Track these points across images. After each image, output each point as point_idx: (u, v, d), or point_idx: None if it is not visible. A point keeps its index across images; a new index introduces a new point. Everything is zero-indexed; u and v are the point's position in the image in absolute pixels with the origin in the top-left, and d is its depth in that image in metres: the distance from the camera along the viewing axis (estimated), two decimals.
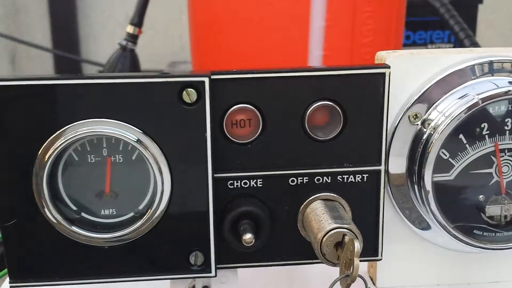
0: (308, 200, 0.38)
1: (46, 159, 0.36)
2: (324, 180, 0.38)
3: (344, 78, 0.37)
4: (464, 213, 0.40)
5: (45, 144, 0.36)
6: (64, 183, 0.38)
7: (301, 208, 0.38)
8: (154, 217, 0.37)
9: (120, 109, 0.36)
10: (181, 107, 0.36)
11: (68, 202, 0.38)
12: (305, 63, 0.63)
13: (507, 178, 0.40)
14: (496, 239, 0.40)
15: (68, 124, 0.36)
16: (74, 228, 0.37)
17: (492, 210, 0.40)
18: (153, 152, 0.36)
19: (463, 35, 0.75)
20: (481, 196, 0.40)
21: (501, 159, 0.39)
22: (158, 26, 1.39)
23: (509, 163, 0.40)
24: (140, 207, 0.38)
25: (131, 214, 0.38)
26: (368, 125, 0.38)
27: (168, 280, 0.40)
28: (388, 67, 0.37)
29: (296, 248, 0.39)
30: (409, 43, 1.05)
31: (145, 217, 0.37)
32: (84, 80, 0.36)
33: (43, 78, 0.36)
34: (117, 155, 0.37)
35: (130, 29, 0.83)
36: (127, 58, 0.79)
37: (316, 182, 0.38)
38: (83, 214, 0.38)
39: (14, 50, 1.54)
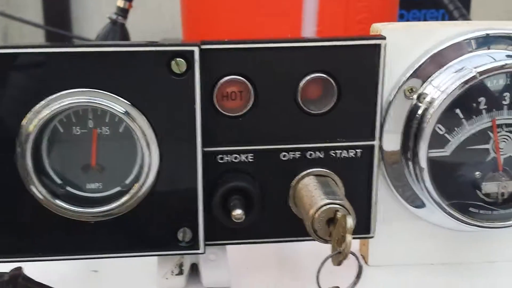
0: (300, 175, 0.37)
1: (30, 131, 0.35)
2: (317, 155, 0.37)
3: (338, 49, 0.36)
4: (460, 191, 0.39)
5: (29, 115, 0.35)
6: (49, 156, 0.37)
7: (293, 183, 0.37)
8: (141, 192, 0.36)
9: (106, 79, 0.35)
10: (169, 78, 0.35)
11: (52, 175, 0.37)
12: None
13: (505, 154, 0.39)
14: (492, 217, 0.39)
15: (53, 94, 0.34)
16: (59, 202, 0.36)
17: (489, 187, 0.39)
18: (140, 125, 0.35)
19: (457, 13, 0.73)
20: (477, 173, 0.39)
21: (498, 134, 0.38)
22: (150, 3, 1.37)
23: (506, 139, 0.39)
24: (127, 182, 0.37)
25: (118, 188, 0.37)
26: (363, 98, 0.37)
27: (156, 257, 0.39)
28: (384, 38, 0.36)
29: (287, 225, 0.38)
30: (403, 20, 1.04)
31: (131, 191, 0.36)
32: (69, 49, 0.34)
33: (26, 47, 0.34)
34: (103, 127, 0.36)
35: (120, 3, 0.81)
36: (117, 32, 0.78)
37: (309, 157, 0.37)
38: (68, 188, 0.37)
39: (6, 28, 1.53)
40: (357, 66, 0.36)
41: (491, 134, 0.38)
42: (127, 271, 0.42)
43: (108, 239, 0.37)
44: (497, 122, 0.38)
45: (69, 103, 0.35)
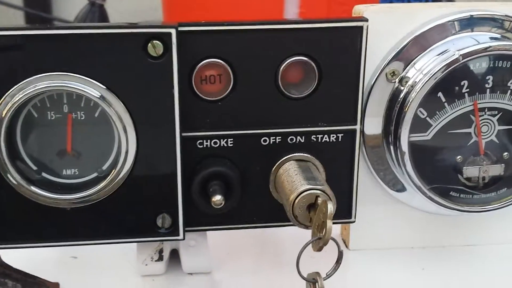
0: (280, 160, 0.37)
1: (3, 116, 0.34)
2: (298, 140, 0.37)
3: (319, 31, 0.35)
4: (441, 175, 0.39)
5: (1, 99, 0.34)
6: (23, 141, 0.36)
7: (274, 169, 0.37)
8: (118, 178, 0.35)
9: (81, 63, 0.34)
10: (146, 61, 0.34)
11: (28, 161, 0.36)
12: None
13: (486, 138, 0.39)
14: (473, 201, 0.40)
15: (26, 78, 0.33)
16: (34, 189, 0.35)
17: (470, 171, 0.39)
18: (117, 109, 0.34)
19: None
20: (458, 157, 0.39)
21: (481, 118, 0.38)
22: None
23: (488, 123, 0.39)
24: (104, 167, 0.36)
25: (95, 174, 0.36)
26: (344, 82, 0.36)
27: (135, 244, 0.39)
28: (366, 20, 0.35)
29: (267, 210, 0.38)
30: (387, 2, 1.03)
31: (109, 177, 0.35)
32: (43, 31, 0.33)
33: None
34: (78, 112, 0.35)
35: None
36: (95, 13, 0.76)
37: (289, 142, 0.37)
38: (43, 174, 0.36)
39: None
40: (339, 49, 0.35)
41: (473, 117, 0.38)
42: (107, 257, 0.41)
43: (86, 225, 0.37)
44: (479, 106, 0.38)
45: (43, 87, 0.34)
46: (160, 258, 0.39)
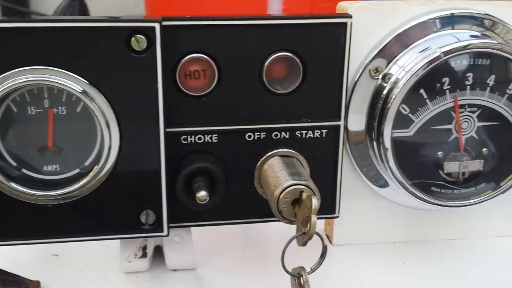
0: (265, 156, 0.37)
1: None
2: (282, 136, 0.37)
3: (304, 27, 0.35)
4: (422, 170, 0.40)
5: None
6: (2, 137, 0.35)
7: (258, 164, 0.37)
8: (101, 174, 0.35)
9: (63, 56, 0.33)
10: (130, 55, 0.33)
11: (7, 157, 0.35)
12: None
13: (466, 134, 0.40)
14: (453, 196, 0.40)
15: (5, 72, 0.33)
16: (14, 185, 0.35)
17: (451, 166, 0.40)
18: (99, 105, 0.34)
19: None
20: (439, 153, 0.40)
21: (461, 115, 0.39)
22: None
23: (469, 119, 0.39)
24: (86, 163, 0.36)
25: (77, 170, 0.36)
26: (328, 78, 0.36)
27: (119, 240, 0.38)
28: (350, 16, 0.35)
29: (252, 206, 0.38)
30: None
31: (91, 174, 0.35)
32: (22, 24, 0.33)
33: None
34: (59, 107, 0.35)
35: None
36: (76, 7, 0.75)
37: (274, 137, 0.37)
38: (24, 171, 0.35)
39: None
40: (323, 45, 0.35)
41: (453, 114, 0.39)
42: (89, 254, 0.41)
43: (68, 222, 0.36)
44: (460, 102, 0.39)
45: (22, 81, 0.33)
46: (144, 255, 0.39)
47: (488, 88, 0.39)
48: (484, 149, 0.40)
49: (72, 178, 0.36)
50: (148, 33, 0.33)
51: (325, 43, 0.35)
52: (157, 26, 0.33)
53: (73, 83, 0.33)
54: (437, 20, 0.38)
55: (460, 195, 0.40)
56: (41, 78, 0.33)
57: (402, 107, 0.38)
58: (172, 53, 0.34)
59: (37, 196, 0.35)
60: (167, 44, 0.34)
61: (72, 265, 0.40)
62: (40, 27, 0.33)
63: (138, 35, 0.33)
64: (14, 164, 0.35)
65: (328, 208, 0.39)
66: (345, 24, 0.35)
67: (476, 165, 0.40)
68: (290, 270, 0.33)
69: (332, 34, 0.35)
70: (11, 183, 0.34)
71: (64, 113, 0.35)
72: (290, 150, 0.37)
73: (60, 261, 0.41)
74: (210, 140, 0.37)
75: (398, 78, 0.37)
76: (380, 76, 0.39)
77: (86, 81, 0.33)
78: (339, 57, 0.36)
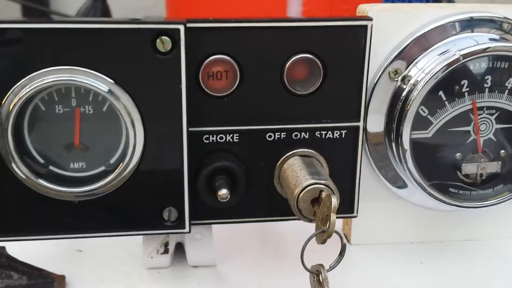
0: (285, 156, 0.38)
1: (10, 109, 0.34)
2: (302, 136, 0.38)
3: (324, 30, 0.36)
4: (441, 171, 0.40)
5: (9, 93, 0.34)
6: (31, 135, 0.36)
7: (278, 164, 0.38)
8: (125, 172, 0.36)
9: (90, 57, 0.34)
10: (154, 56, 0.34)
11: (35, 155, 0.36)
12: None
13: (484, 136, 0.40)
14: (471, 198, 0.41)
15: (34, 72, 0.34)
16: (42, 182, 0.36)
17: (468, 168, 0.40)
18: (125, 104, 0.35)
19: None
20: (458, 154, 0.40)
21: (479, 117, 0.39)
22: None
23: (487, 121, 0.40)
24: (112, 161, 0.37)
25: (102, 168, 0.37)
26: (348, 80, 0.37)
27: (141, 236, 0.39)
28: (371, 19, 0.36)
29: (272, 205, 0.39)
30: (389, 1, 1.04)
31: (116, 171, 0.36)
32: (51, 25, 0.34)
33: (6, 22, 0.33)
34: (86, 106, 0.36)
35: None
36: (98, 8, 0.76)
37: (294, 137, 0.38)
38: (51, 168, 0.37)
39: None
40: (343, 47, 0.36)
41: (472, 116, 0.39)
42: (112, 250, 0.42)
43: (93, 218, 0.37)
44: (478, 105, 0.39)
45: (50, 81, 0.34)
46: (166, 251, 0.40)
47: (507, 91, 0.39)
48: (502, 151, 0.40)
49: (98, 175, 0.37)
50: (173, 34, 0.34)
51: (345, 45, 0.36)
52: (181, 28, 0.34)
53: (100, 83, 0.34)
54: (456, 23, 0.39)
55: (477, 196, 0.41)
56: (68, 78, 0.34)
57: (421, 109, 0.38)
58: (195, 54, 0.35)
59: (63, 193, 0.36)
60: (191, 45, 0.35)
61: (95, 260, 0.41)
62: (68, 28, 0.34)
63: (163, 37, 0.34)
64: (42, 161, 0.36)
65: (347, 207, 0.39)
66: (365, 26, 0.36)
67: (493, 167, 0.41)
68: (309, 268, 0.33)
69: (353, 37, 0.36)
70: (39, 180, 0.35)
71: (90, 112, 0.36)
72: (309, 150, 0.38)
73: (84, 257, 0.42)
74: (231, 140, 0.37)
75: (417, 80, 0.38)
76: (400, 78, 0.39)
77: (112, 81, 0.34)
78: (359, 59, 0.36)
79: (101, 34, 0.34)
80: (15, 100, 0.34)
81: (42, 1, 1.36)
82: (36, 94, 0.35)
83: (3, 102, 0.34)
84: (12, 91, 0.34)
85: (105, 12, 0.78)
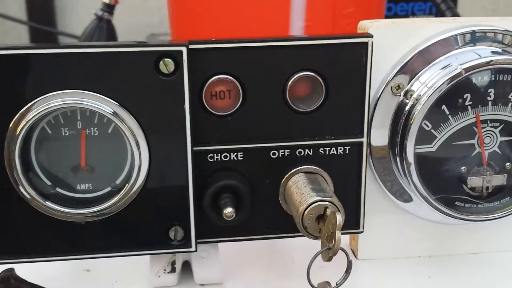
0: (289, 173, 0.38)
1: (17, 133, 0.35)
2: (306, 153, 0.38)
3: (326, 47, 0.36)
4: (446, 185, 0.40)
5: (16, 116, 0.34)
6: (38, 157, 0.36)
7: (283, 181, 0.38)
8: (132, 192, 0.36)
9: (94, 80, 0.34)
10: (158, 78, 0.35)
11: (42, 176, 0.37)
12: (287, 34, 0.62)
13: (489, 149, 0.40)
14: (477, 211, 0.40)
15: (40, 96, 0.34)
16: (49, 204, 0.36)
17: (474, 181, 0.40)
18: (129, 125, 0.35)
19: (444, 6, 0.74)
20: (463, 168, 0.40)
21: (483, 130, 0.39)
22: None
23: (491, 134, 0.39)
24: (118, 182, 0.37)
25: (108, 188, 0.37)
26: (350, 96, 0.37)
27: (148, 256, 0.39)
28: (371, 36, 0.36)
29: (277, 222, 0.39)
30: (391, 15, 1.04)
31: (122, 192, 0.36)
32: (56, 50, 0.34)
33: (12, 48, 0.34)
34: (92, 128, 0.36)
35: None
36: (103, 29, 0.77)
37: (298, 154, 0.38)
38: (58, 189, 0.37)
39: None
40: (345, 64, 0.36)
41: (476, 129, 0.39)
42: (120, 269, 0.42)
43: (100, 239, 0.37)
44: (482, 118, 0.39)
45: (56, 105, 0.34)
46: (173, 270, 0.40)
47: (510, 104, 0.39)
48: (508, 164, 0.40)
49: (104, 196, 0.37)
50: (176, 56, 0.34)
51: (346, 62, 0.36)
52: (184, 49, 0.34)
53: (105, 105, 0.35)
54: (458, 37, 0.39)
55: (484, 209, 0.40)
56: (74, 101, 0.35)
57: (425, 123, 0.38)
58: (198, 74, 0.36)
59: (71, 214, 0.36)
60: (193, 66, 0.35)
61: (103, 280, 0.41)
62: (73, 52, 0.34)
63: (166, 59, 0.34)
64: (49, 183, 0.37)
65: (353, 223, 0.39)
66: (366, 43, 0.36)
67: (499, 180, 0.40)
68: (315, 285, 0.33)
69: (354, 54, 0.36)
70: (47, 202, 0.36)
71: (96, 134, 0.36)
72: (314, 167, 0.38)
73: (91, 276, 0.42)
74: (235, 158, 0.38)
75: (420, 95, 0.38)
76: (402, 93, 0.39)
77: (116, 103, 0.35)
78: (361, 75, 0.37)
79: (106, 57, 0.34)
80: (22, 123, 0.34)
81: (49, 22, 1.38)
82: (43, 117, 0.35)
83: (10, 125, 0.34)
84: (19, 115, 0.34)
85: (110, 32, 0.78)
